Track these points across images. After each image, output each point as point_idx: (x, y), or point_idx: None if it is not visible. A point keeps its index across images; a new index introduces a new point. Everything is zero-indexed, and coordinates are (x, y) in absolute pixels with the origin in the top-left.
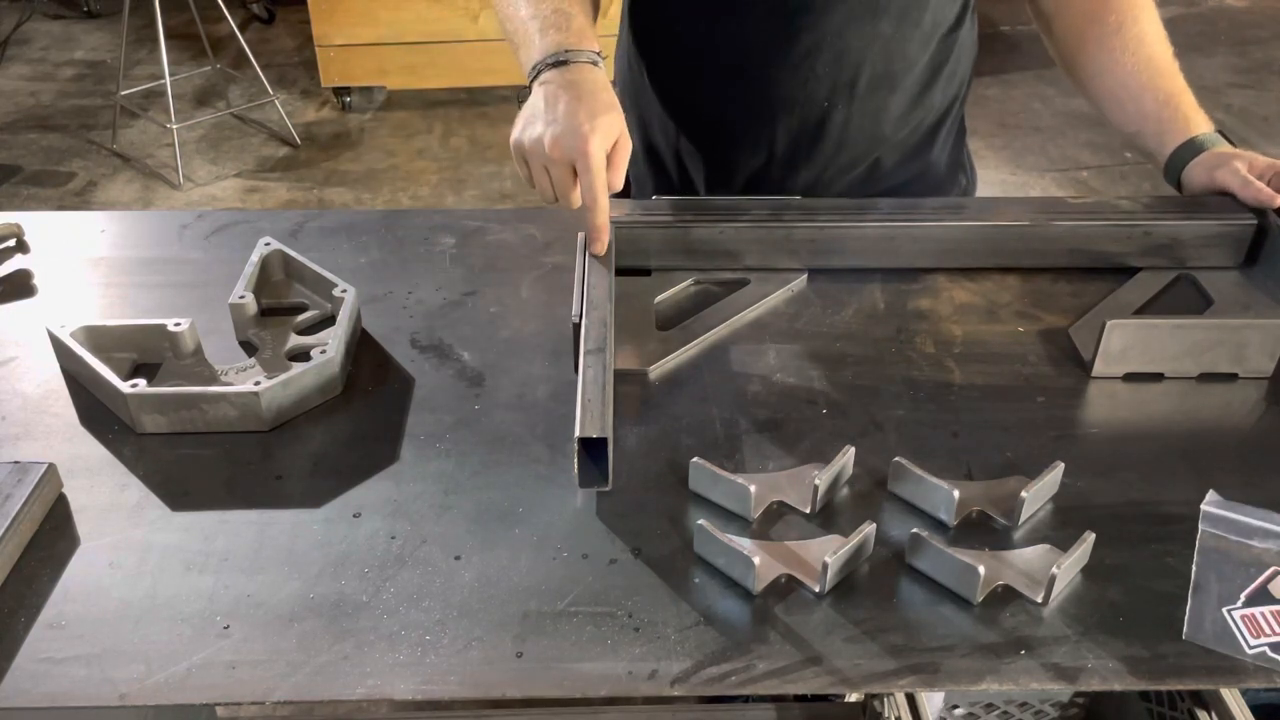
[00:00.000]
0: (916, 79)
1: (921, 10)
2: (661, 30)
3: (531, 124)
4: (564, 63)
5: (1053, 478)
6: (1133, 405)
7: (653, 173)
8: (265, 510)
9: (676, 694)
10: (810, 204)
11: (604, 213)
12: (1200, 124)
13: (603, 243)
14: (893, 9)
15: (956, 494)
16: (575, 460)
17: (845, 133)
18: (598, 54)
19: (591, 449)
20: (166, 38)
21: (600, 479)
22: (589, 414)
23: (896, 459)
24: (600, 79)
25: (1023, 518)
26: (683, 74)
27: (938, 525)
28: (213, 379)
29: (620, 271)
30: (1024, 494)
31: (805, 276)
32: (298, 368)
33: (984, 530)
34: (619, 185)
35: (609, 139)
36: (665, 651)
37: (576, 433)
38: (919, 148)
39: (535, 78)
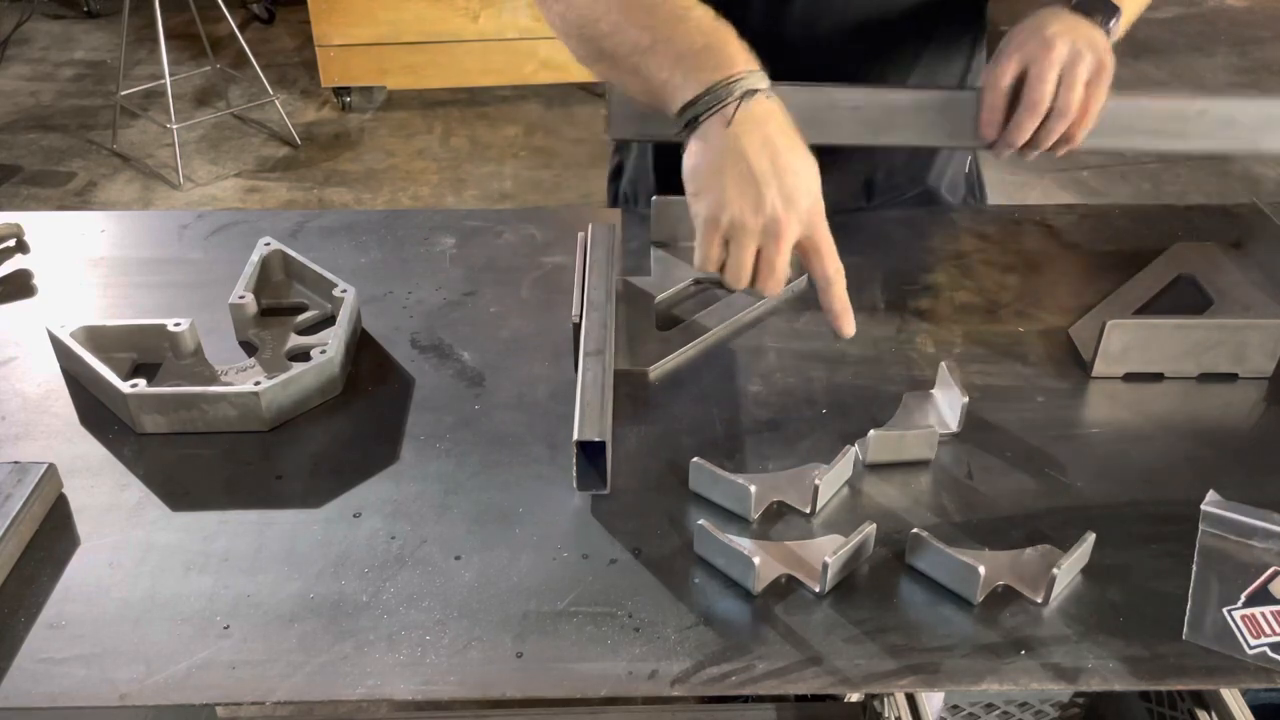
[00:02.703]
0: None
1: (916, 26)
2: None
3: (740, 188)
4: (752, 92)
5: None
6: (1133, 405)
7: (654, 170)
8: (265, 510)
9: (676, 694)
10: None
11: (774, 293)
12: None
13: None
14: (885, 26)
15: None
16: (574, 463)
17: (834, 149)
18: (765, 76)
19: (590, 452)
20: (166, 38)
21: (598, 482)
22: (587, 417)
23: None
24: (787, 117)
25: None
26: None
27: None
28: (213, 379)
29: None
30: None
31: (805, 277)
32: (298, 368)
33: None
34: (840, 270)
35: (803, 209)
36: (665, 651)
37: (575, 436)
38: (917, 167)
39: (711, 111)
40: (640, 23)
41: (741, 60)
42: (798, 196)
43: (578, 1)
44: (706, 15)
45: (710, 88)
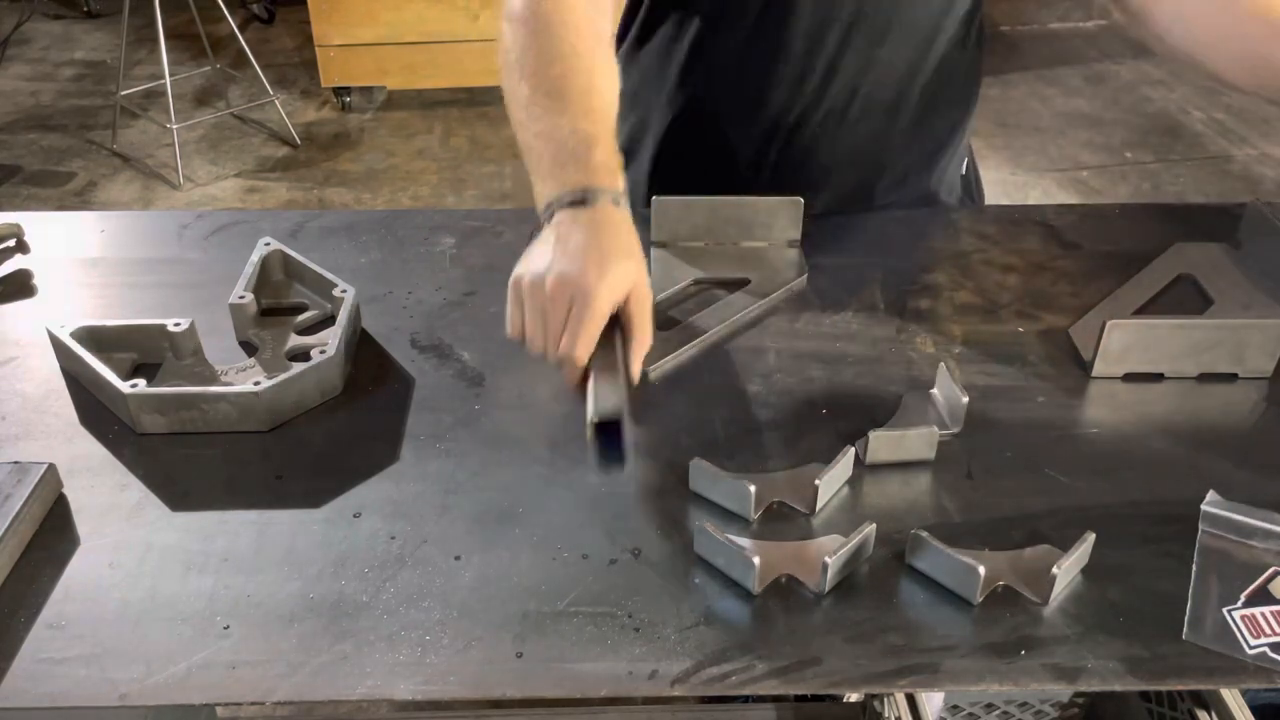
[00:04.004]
0: (913, 105)
1: (920, 36)
2: (666, 40)
3: (534, 260)
4: (582, 202)
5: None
6: (1133, 405)
7: (650, 175)
8: (265, 510)
9: (676, 694)
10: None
11: (580, 360)
12: None
13: (572, 382)
14: (891, 35)
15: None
16: (592, 443)
17: (836, 157)
18: (621, 192)
19: (607, 430)
20: (166, 38)
21: (618, 459)
22: (600, 393)
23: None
24: (622, 220)
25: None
26: (684, 86)
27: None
28: (213, 379)
29: None
30: None
31: (805, 277)
32: (298, 368)
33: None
34: (647, 342)
35: (620, 286)
36: (665, 651)
37: (590, 416)
38: (918, 174)
39: (549, 216)
40: (534, 129)
41: (602, 174)
42: (571, 273)
43: (504, 80)
44: (600, 109)
45: (571, 189)
